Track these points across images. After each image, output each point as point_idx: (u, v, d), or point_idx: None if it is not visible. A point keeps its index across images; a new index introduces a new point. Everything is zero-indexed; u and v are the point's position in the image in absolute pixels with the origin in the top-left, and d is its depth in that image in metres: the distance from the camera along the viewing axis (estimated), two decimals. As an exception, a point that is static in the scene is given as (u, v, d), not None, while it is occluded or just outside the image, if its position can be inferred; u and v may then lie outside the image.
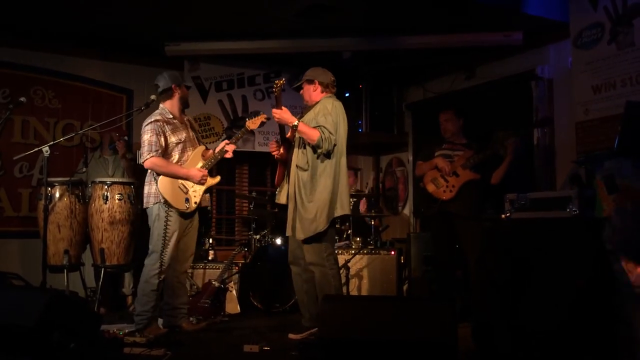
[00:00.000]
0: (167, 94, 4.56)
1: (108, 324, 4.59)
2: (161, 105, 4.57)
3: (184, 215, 4.44)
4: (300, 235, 4.23)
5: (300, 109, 7.07)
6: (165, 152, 4.41)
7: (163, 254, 4.32)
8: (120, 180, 5.31)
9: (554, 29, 5.63)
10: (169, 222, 4.32)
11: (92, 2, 5.31)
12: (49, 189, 5.04)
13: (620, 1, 4.89)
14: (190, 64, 6.73)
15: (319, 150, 4.21)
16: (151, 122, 4.40)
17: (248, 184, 7.53)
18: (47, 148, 4.35)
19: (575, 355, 3.11)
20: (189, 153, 4.54)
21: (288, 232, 4.36)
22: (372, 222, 6.25)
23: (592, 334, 3.08)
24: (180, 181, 4.43)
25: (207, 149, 4.68)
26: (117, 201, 5.15)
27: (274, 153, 4.55)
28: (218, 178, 4.64)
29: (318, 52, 6.32)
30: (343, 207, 4.27)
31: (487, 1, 5.26)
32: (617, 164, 3.25)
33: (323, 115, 4.27)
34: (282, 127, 4.55)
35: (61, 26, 5.95)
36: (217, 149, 4.62)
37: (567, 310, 3.17)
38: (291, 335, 4.32)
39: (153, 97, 4.60)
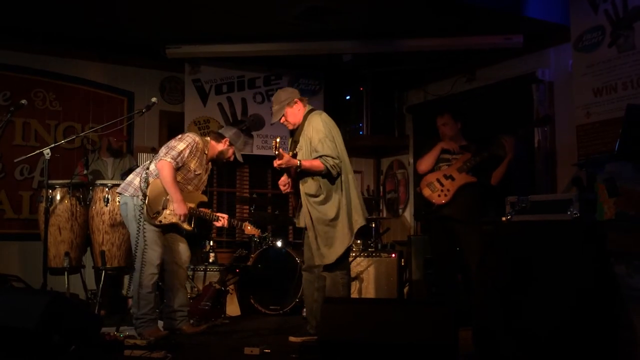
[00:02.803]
0: (217, 137, 4.67)
1: (108, 327, 4.59)
2: (210, 140, 4.66)
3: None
4: (333, 257, 4.19)
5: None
6: (179, 168, 4.45)
7: (150, 255, 4.33)
8: (122, 182, 5.31)
9: (555, 32, 5.63)
10: (142, 218, 4.31)
11: (93, 4, 5.32)
12: (50, 191, 5.04)
13: (620, 4, 4.89)
14: (190, 67, 6.74)
15: (329, 176, 4.20)
16: (194, 139, 4.48)
17: (249, 186, 7.52)
18: (48, 150, 4.35)
19: (576, 359, 3.11)
20: (189, 188, 4.57)
21: (317, 261, 4.25)
22: (373, 225, 6.25)
23: (592, 338, 3.08)
24: (169, 197, 4.43)
25: (205, 203, 4.73)
26: (117, 203, 5.14)
27: (286, 191, 4.45)
28: (190, 227, 4.58)
29: (318, 55, 6.33)
30: (363, 217, 4.29)
31: (488, 4, 5.26)
32: (618, 167, 3.25)
33: (318, 140, 4.19)
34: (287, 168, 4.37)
35: (62, 28, 5.96)
36: (215, 213, 4.67)
37: (568, 314, 3.16)
38: (291, 338, 4.32)
39: (154, 99, 4.61)
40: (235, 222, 4.72)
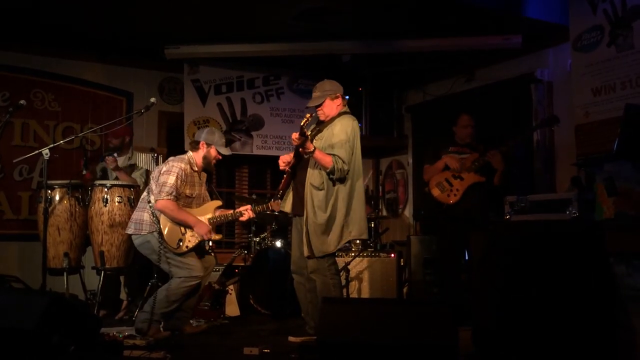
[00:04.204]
0: (194, 146, 4.58)
1: (108, 327, 4.59)
2: (190, 154, 4.57)
3: None
4: (311, 253, 4.21)
5: (300, 112, 7.14)
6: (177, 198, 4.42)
7: (195, 272, 4.34)
8: (120, 183, 5.31)
9: (554, 32, 5.63)
10: (166, 250, 4.31)
11: (92, 4, 5.31)
12: (49, 191, 5.03)
13: (619, 4, 4.89)
14: (189, 67, 6.73)
15: (330, 176, 4.22)
16: (180, 167, 4.38)
17: (248, 186, 7.52)
18: (47, 151, 4.34)
19: (575, 359, 3.11)
20: (194, 208, 4.53)
21: (305, 252, 4.27)
22: (372, 225, 6.24)
23: (592, 338, 3.08)
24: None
25: (221, 206, 4.69)
26: (116, 204, 5.15)
27: (283, 168, 4.44)
28: (220, 236, 4.60)
29: (318, 55, 6.33)
30: (360, 231, 4.28)
31: (487, 5, 5.26)
32: (617, 167, 3.25)
33: (339, 140, 4.22)
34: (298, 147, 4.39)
35: (61, 29, 5.95)
36: (237, 210, 4.60)
37: (567, 314, 3.16)
38: (291, 338, 4.31)
39: (153, 99, 4.61)
40: (260, 207, 4.62)
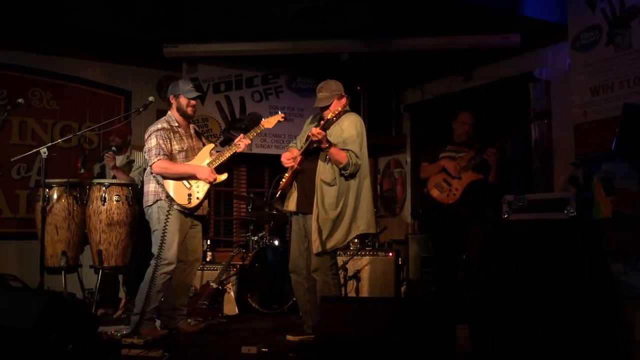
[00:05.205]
0: (169, 104, 4.64)
1: (106, 326, 4.59)
2: (169, 113, 4.61)
3: (185, 213, 4.43)
4: (320, 249, 4.21)
5: (299, 110, 7.14)
6: (170, 158, 4.43)
7: (167, 254, 4.32)
8: (118, 181, 5.30)
9: (552, 31, 5.64)
10: (168, 221, 4.30)
11: (90, 3, 5.31)
12: (47, 190, 5.04)
13: (617, 3, 4.90)
14: (188, 66, 6.72)
15: (343, 172, 4.24)
16: (156, 129, 4.44)
17: (246, 185, 7.52)
18: (45, 149, 4.35)
19: (574, 358, 3.11)
20: (191, 161, 4.54)
21: (315, 249, 4.25)
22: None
23: (590, 337, 3.08)
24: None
25: (216, 148, 4.67)
26: (114, 202, 5.14)
27: (290, 165, 4.43)
28: (225, 175, 4.61)
29: (316, 54, 6.33)
30: (368, 225, 4.30)
31: (485, 4, 5.26)
32: (614, 166, 3.26)
33: (351, 136, 4.28)
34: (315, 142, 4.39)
35: (59, 27, 5.94)
36: (233, 144, 4.59)
37: (565, 313, 3.17)
38: (289, 337, 4.31)
39: (151, 98, 4.62)
40: (253, 132, 4.65)
